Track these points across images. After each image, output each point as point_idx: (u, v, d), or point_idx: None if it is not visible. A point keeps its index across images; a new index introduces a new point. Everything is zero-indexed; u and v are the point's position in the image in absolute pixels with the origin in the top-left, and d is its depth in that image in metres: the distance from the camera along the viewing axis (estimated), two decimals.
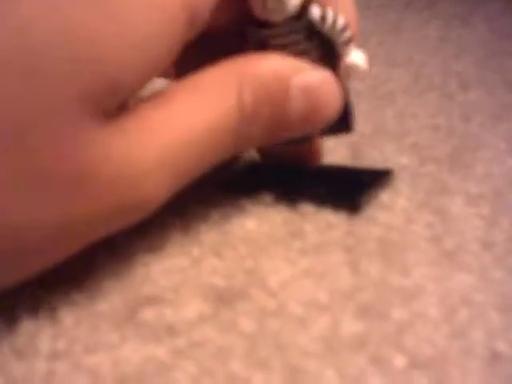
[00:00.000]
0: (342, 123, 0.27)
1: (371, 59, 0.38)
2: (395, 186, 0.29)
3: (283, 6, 0.25)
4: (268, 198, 0.28)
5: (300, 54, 0.26)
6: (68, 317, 0.22)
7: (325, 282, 0.24)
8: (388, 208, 0.27)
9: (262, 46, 0.26)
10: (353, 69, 0.26)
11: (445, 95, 0.38)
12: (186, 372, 0.20)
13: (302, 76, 0.25)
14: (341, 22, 0.26)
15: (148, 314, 0.22)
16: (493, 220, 0.27)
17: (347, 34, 0.26)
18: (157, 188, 0.22)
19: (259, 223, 0.26)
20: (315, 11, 0.26)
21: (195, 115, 0.23)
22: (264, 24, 0.26)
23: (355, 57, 0.26)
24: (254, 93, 0.24)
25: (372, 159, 0.31)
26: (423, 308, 0.22)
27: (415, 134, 0.33)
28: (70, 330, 0.21)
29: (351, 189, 0.28)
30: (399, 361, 0.20)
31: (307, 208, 0.27)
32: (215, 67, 0.25)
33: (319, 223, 0.26)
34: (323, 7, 0.26)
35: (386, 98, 0.37)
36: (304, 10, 0.26)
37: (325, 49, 0.26)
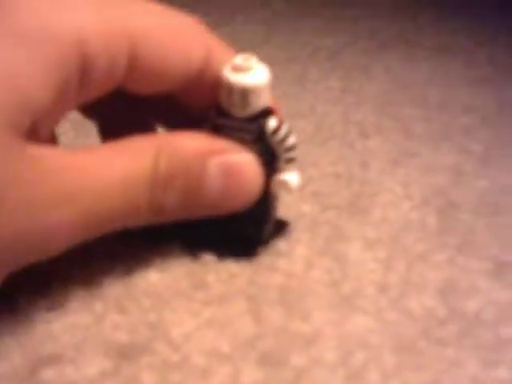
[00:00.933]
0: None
1: None
2: (295, 234, 0.29)
3: (246, 105, 0.26)
4: (171, 248, 0.28)
5: None
6: None
7: (227, 331, 0.24)
8: (288, 255, 0.28)
9: (215, 130, 0.27)
10: (284, 185, 0.27)
11: (345, 143, 0.39)
12: None
13: (224, 156, 0.26)
14: (291, 141, 0.27)
15: (49, 373, 0.22)
16: (388, 263, 0.28)
17: (292, 153, 0.27)
18: (61, 226, 0.23)
19: (162, 275, 0.27)
20: (271, 122, 0.27)
21: (109, 169, 0.24)
22: (223, 113, 0.27)
23: (290, 176, 0.27)
24: (170, 162, 0.25)
25: None
26: (321, 353, 0.23)
27: (317, 182, 0.34)
28: None
29: (249, 237, 0.28)
30: None
31: (209, 258, 0.28)
32: (140, 134, 0.25)
33: (221, 273, 0.27)
34: (280, 122, 0.27)
35: None
36: (262, 115, 0.27)
37: (266, 158, 0.27)
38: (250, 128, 0.27)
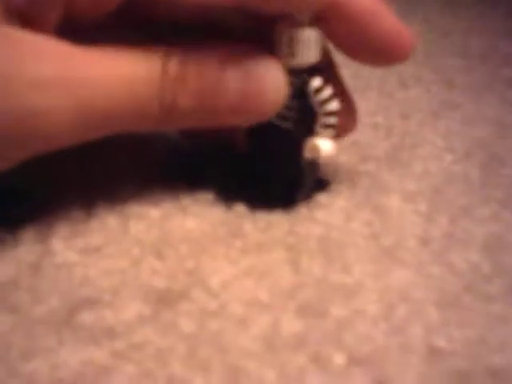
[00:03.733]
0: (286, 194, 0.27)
1: None
2: (334, 186, 0.29)
3: (292, 55, 0.25)
4: (207, 196, 0.28)
5: (284, 107, 0.25)
6: (4, 322, 0.21)
7: (266, 280, 0.24)
8: (327, 207, 0.27)
9: None
10: (316, 151, 0.26)
11: (384, 93, 0.38)
12: (126, 374, 0.19)
13: (243, 61, 0.24)
14: (333, 106, 0.26)
15: (86, 317, 0.22)
16: (430, 217, 0.27)
17: (332, 119, 0.26)
18: (50, 111, 0.22)
19: (199, 222, 0.26)
20: (316, 80, 0.26)
21: (113, 64, 0.23)
22: None
23: (324, 143, 0.26)
24: (183, 63, 0.24)
25: None
26: (362, 305, 0.22)
27: (355, 132, 0.33)
28: (5, 335, 0.21)
29: (283, 201, 0.28)
30: (339, 358, 0.20)
31: (244, 208, 0.27)
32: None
33: (259, 222, 0.26)
34: (326, 84, 0.26)
35: None
36: (309, 71, 0.25)
37: (305, 118, 0.26)
38: (292, 80, 0.25)
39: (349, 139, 0.32)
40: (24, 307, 0.22)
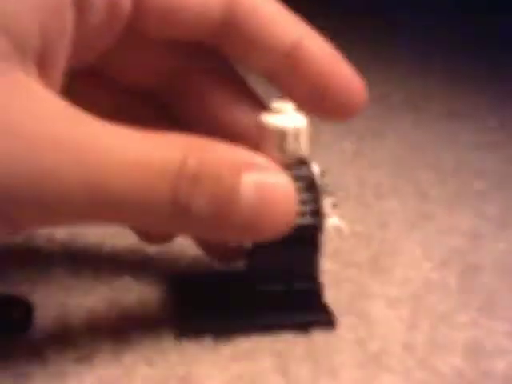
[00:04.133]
0: None
1: None
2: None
3: (299, 145, 0.26)
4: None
5: (297, 203, 0.25)
6: None
7: None
8: None
9: None
10: (338, 231, 0.27)
11: (362, 204, 0.40)
12: None
13: (260, 173, 0.23)
14: (331, 185, 0.27)
15: None
16: (412, 323, 0.28)
17: (334, 198, 0.27)
18: (56, 177, 0.21)
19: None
20: (314, 165, 0.27)
21: (130, 146, 0.22)
22: None
23: (335, 220, 0.27)
24: (200, 162, 0.22)
25: None
26: None
27: (336, 240, 0.34)
28: None
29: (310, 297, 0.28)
30: None
31: None
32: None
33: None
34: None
35: None
36: (304, 162, 0.26)
37: (317, 205, 0.26)
38: (301, 174, 0.26)
39: (331, 247, 0.33)
40: None
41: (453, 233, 0.36)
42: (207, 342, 0.26)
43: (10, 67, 0.21)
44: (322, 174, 0.27)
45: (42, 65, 0.22)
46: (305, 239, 0.27)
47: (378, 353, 0.26)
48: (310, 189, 0.26)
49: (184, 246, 0.33)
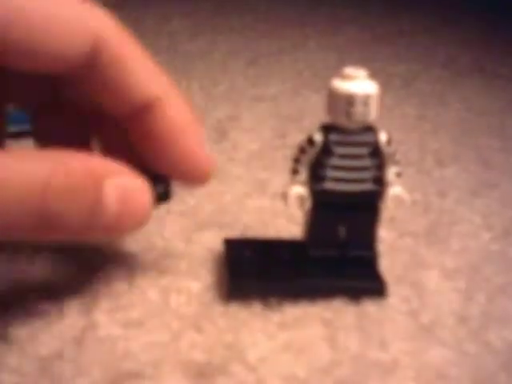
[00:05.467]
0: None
1: None
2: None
3: (368, 112, 0.25)
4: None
5: (360, 169, 0.26)
6: None
7: (303, 356, 0.24)
8: None
9: (326, 152, 0.26)
10: (399, 200, 0.27)
11: (422, 171, 0.39)
12: None
13: (118, 179, 0.25)
14: (397, 154, 0.27)
15: None
16: (468, 294, 0.27)
17: (399, 167, 0.27)
18: None
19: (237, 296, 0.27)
20: (383, 134, 0.26)
21: (3, 168, 0.23)
22: (334, 127, 0.26)
23: (397, 190, 0.27)
24: (65, 178, 0.23)
25: None
26: (399, 383, 0.23)
27: (393, 208, 0.33)
28: None
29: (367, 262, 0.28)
30: None
31: None
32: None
33: (297, 296, 0.27)
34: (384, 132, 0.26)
35: None
36: (372, 128, 0.26)
37: (380, 172, 0.26)
38: (366, 140, 0.26)
39: (387, 215, 0.33)
40: (67, 379, 0.22)
41: None
42: (256, 308, 0.26)
43: None
44: (389, 142, 0.26)
45: None
46: (364, 206, 0.27)
47: (430, 324, 0.26)
48: (374, 155, 0.26)
49: (237, 213, 0.33)
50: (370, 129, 0.26)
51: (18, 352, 0.23)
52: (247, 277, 0.27)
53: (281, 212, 0.32)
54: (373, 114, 0.26)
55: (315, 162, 0.26)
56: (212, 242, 0.30)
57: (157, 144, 0.27)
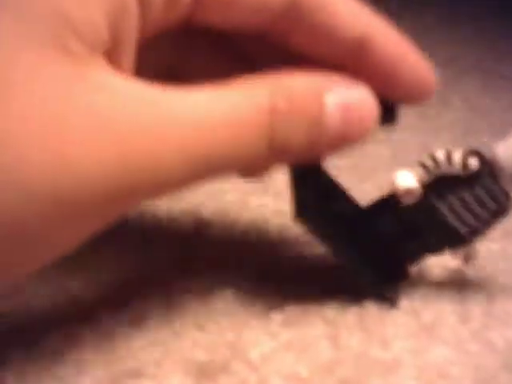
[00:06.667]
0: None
1: None
2: None
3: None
4: (248, 269, 0.28)
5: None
6: None
7: (305, 355, 0.24)
8: None
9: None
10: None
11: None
12: None
13: (341, 91, 0.24)
14: None
15: None
16: (470, 293, 0.27)
17: None
18: (171, 162, 0.21)
19: (239, 295, 0.27)
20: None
21: (214, 106, 0.22)
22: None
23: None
24: (288, 100, 0.23)
25: None
26: (401, 381, 0.23)
27: None
28: None
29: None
30: None
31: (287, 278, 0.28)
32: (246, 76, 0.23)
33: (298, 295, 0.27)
34: None
35: (366, 173, 0.38)
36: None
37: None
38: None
39: None
40: (69, 377, 0.23)
41: None
42: (258, 307, 0.26)
43: (82, 63, 0.20)
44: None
45: (111, 48, 0.21)
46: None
47: (432, 324, 0.26)
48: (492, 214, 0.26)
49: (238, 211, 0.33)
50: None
51: (21, 351, 0.23)
52: (312, 208, 0.27)
53: (283, 211, 0.32)
54: None
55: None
56: (214, 240, 0.30)
57: (379, 74, 0.26)
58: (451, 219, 0.26)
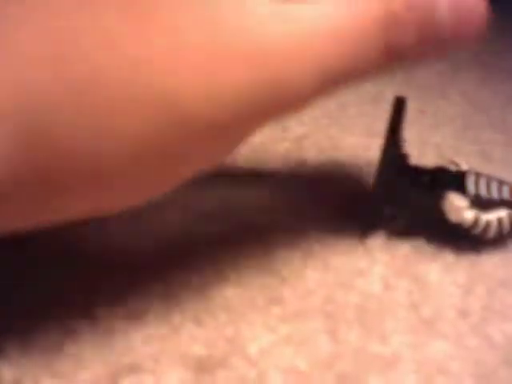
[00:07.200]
0: None
1: (351, 129, 0.39)
2: (373, 253, 0.29)
3: None
4: (246, 262, 0.28)
5: None
6: None
7: (304, 349, 0.24)
8: (366, 274, 0.28)
9: None
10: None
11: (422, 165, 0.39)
12: None
13: None
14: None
15: (129, 383, 0.22)
16: (469, 288, 0.27)
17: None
18: (293, 75, 0.22)
19: (238, 290, 0.27)
20: None
21: (342, 13, 0.23)
22: None
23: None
24: (404, 3, 0.23)
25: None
26: (400, 376, 0.23)
27: None
28: None
29: None
30: None
31: (285, 273, 0.28)
32: None
33: (298, 290, 0.27)
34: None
35: (365, 167, 0.38)
36: None
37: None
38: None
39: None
40: (68, 373, 0.22)
41: None
42: (257, 301, 0.26)
43: None
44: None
45: None
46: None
47: (431, 318, 0.26)
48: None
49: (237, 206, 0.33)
50: None
51: (19, 346, 0.23)
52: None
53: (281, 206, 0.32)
54: None
55: None
56: (217, 228, 0.30)
57: None
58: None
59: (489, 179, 0.30)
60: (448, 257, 0.29)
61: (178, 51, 0.20)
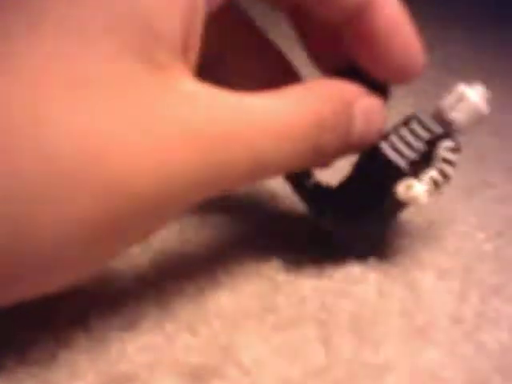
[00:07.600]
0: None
1: None
2: (368, 260, 0.29)
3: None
4: (241, 269, 0.28)
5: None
6: None
7: (298, 359, 0.24)
8: (361, 281, 0.28)
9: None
10: (410, 190, 0.27)
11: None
12: None
13: (365, 100, 0.27)
14: (450, 170, 0.28)
15: None
16: (462, 295, 0.27)
17: (441, 180, 0.28)
18: (230, 164, 0.23)
19: (232, 297, 0.27)
20: (450, 142, 0.28)
21: (282, 112, 0.24)
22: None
23: (420, 187, 0.27)
24: (332, 106, 0.25)
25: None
26: None
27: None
28: None
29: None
30: None
31: (280, 279, 0.28)
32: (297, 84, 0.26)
33: (292, 297, 0.27)
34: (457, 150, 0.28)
35: None
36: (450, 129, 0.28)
37: (420, 163, 0.27)
38: (431, 128, 0.28)
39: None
40: (62, 382, 0.23)
41: (511, 202, 0.35)
42: (251, 309, 0.26)
43: (167, 73, 0.21)
44: (452, 150, 0.28)
45: (183, 51, 0.22)
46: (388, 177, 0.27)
47: (424, 326, 0.26)
48: (429, 146, 0.28)
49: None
50: (450, 125, 0.28)
51: (14, 356, 0.23)
52: None
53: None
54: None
55: None
56: (211, 235, 0.30)
57: (373, 42, 0.27)
58: (392, 156, 0.27)
59: (402, 135, 0.28)
60: (442, 264, 0.29)
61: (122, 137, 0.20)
